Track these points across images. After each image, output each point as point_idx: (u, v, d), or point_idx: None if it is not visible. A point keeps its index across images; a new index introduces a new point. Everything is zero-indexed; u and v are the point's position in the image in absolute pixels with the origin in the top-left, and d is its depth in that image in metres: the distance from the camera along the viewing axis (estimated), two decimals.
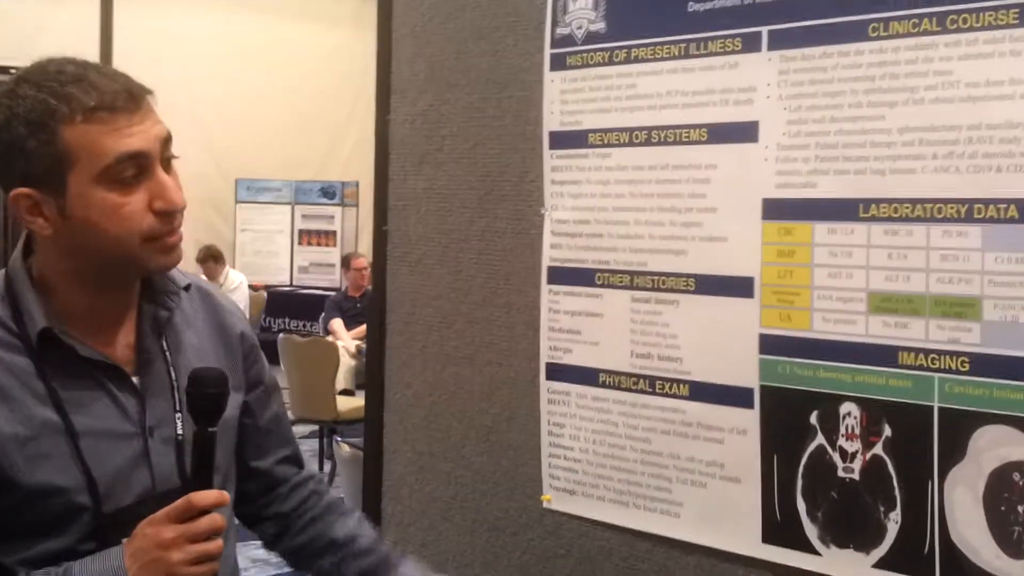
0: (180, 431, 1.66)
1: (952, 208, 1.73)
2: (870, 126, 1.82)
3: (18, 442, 1.57)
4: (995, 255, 1.70)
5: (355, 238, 11.61)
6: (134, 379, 1.69)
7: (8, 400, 1.58)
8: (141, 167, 1.58)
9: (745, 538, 1.99)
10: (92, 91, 1.56)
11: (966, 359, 1.73)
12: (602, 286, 2.19)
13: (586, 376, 2.22)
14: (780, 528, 1.94)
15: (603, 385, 2.19)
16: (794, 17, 1.90)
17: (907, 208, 1.78)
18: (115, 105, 1.57)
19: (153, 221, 1.60)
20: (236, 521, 1.91)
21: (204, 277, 7.14)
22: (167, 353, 1.74)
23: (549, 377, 2.29)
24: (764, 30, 1.94)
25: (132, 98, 1.59)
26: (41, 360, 1.62)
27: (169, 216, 1.62)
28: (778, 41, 1.93)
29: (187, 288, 1.82)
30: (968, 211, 1.72)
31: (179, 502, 1.53)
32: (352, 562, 1.92)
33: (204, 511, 1.53)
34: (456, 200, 2.47)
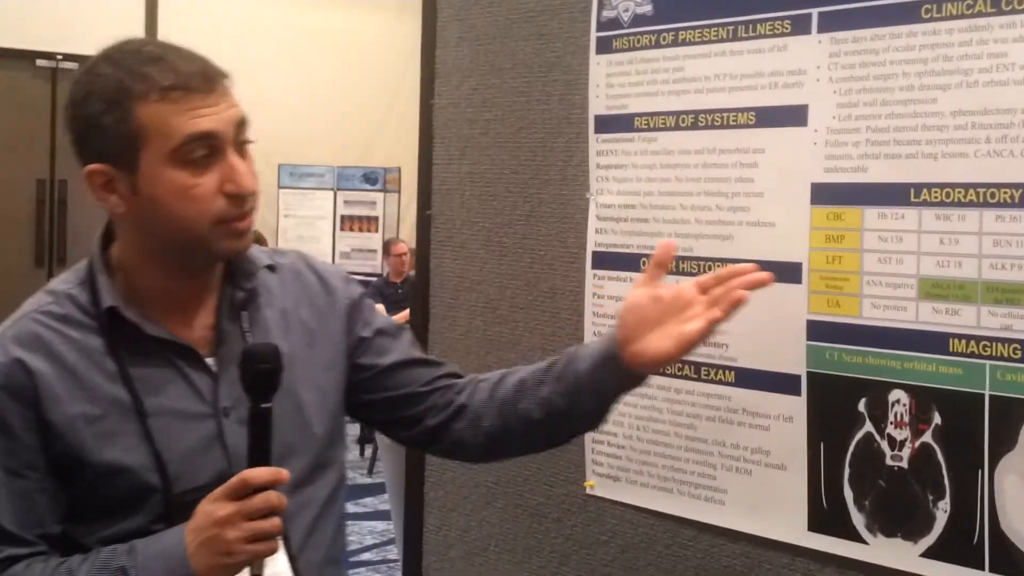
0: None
1: (1006, 193, 1.71)
2: (922, 109, 1.79)
3: (86, 420, 1.60)
4: None
5: (396, 224, 11.61)
6: (209, 360, 1.70)
7: (77, 379, 1.61)
8: (213, 148, 1.59)
9: (791, 526, 1.97)
10: (168, 71, 1.58)
11: (1018, 346, 1.70)
12: None
13: None
14: (826, 516, 1.92)
15: None
16: None
17: (959, 193, 1.75)
18: (189, 85, 1.58)
19: (224, 204, 1.61)
20: (340, 503, 1.86)
21: None
22: (247, 333, 1.73)
23: None
24: (814, 12, 1.92)
25: (207, 79, 1.61)
26: (113, 339, 1.64)
27: (240, 200, 1.62)
28: (828, 23, 1.90)
29: (273, 268, 1.80)
30: (1022, 196, 1.69)
31: (233, 479, 1.53)
32: (554, 382, 1.80)
33: (260, 488, 1.52)
34: (500, 184, 2.46)
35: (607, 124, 2.23)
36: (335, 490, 1.83)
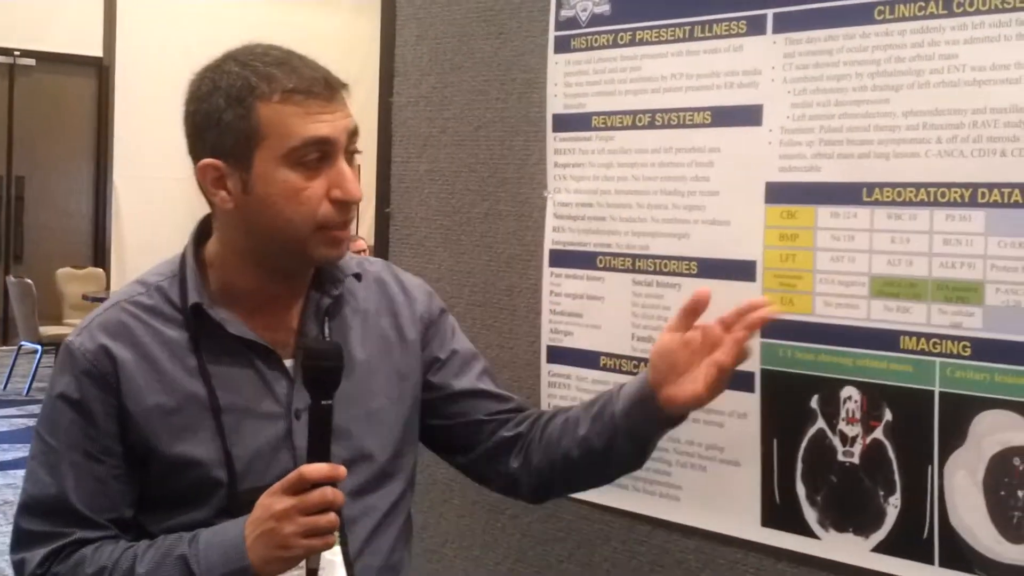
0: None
1: (956, 192, 1.73)
2: (875, 110, 1.81)
3: (162, 412, 1.65)
4: (998, 240, 1.69)
5: (356, 221, 11.62)
6: (288, 362, 1.72)
7: (158, 372, 1.66)
8: (325, 154, 1.64)
9: (744, 521, 1.99)
10: (292, 74, 1.64)
11: (968, 344, 1.72)
12: (604, 269, 2.18)
13: (587, 359, 2.22)
14: (779, 512, 1.94)
15: (604, 368, 2.19)
16: (800, 0, 1.90)
17: (911, 192, 1.78)
18: (311, 90, 1.64)
19: (329, 209, 1.65)
20: (405, 515, 1.89)
21: None
22: (327, 340, 1.76)
23: (550, 360, 2.28)
24: (769, 13, 1.94)
25: (328, 87, 1.66)
26: (197, 335, 1.68)
27: (345, 207, 1.66)
28: (783, 24, 1.92)
29: (359, 277, 1.83)
30: (972, 195, 1.71)
31: (291, 474, 1.56)
32: (590, 422, 1.82)
33: (317, 484, 1.54)
34: (459, 182, 2.47)
35: (565, 123, 2.24)
36: (399, 500, 1.86)
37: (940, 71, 1.75)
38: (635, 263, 2.13)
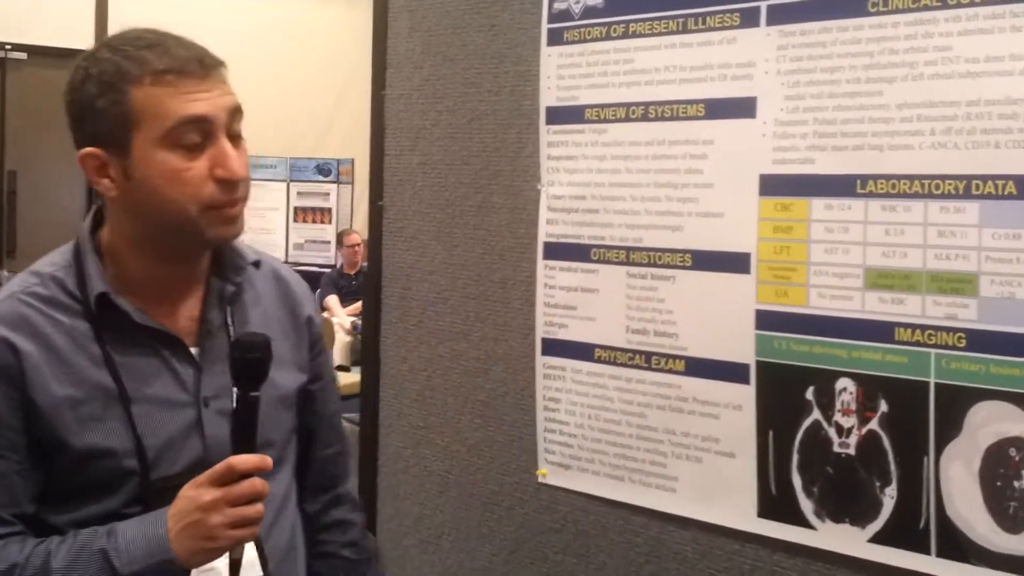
0: (235, 404, 1.62)
1: (950, 184, 1.73)
2: (868, 102, 1.81)
3: (70, 404, 1.61)
4: (992, 231, 1.69)
5: (350, 215, 11.57)
6: (193, 350, 1.71)
7: (63, 363, 1.62)
8: (205, 133, 1.61)
9: (740, 513, 1.99)
10: (164, 55, 1.61)
11: (963, 335, 1.73)
12: (598, 261, 2.18)
13: (581, 351, 2.22)
14: (775, 503, 1.95)
15: (598, 360, 2.19)
16: None
17: (905, 184, 1.78)
18: (184, 70, 1.60)
19: (214, 189, 1.62)
20: (294, 497, 1.90)
21: None
22: (230, 327, 1.75)
23: (544, 352, 2.29)
24: (763, 5, 1.93)
25: (202, 65, 1.63)
26: (100, 325, 1.65)
27: (230, 186, 1.63)
28: (777, 16, 1.92)
29: (257, 265, 1.83)
30: (966, 187, 1.72)
31: (219, 465, 1.54)
32: None
33: (245, 475, 1.54)
34: (452, 175, 2.46)
35: (558, 115, 2.24)
36: (291, 484, 1.87)
37: (934, 63, 1.75)
38: (629, 255, 2.13)
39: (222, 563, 1.60)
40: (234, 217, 1.66)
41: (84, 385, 1.62)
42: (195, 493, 1.55)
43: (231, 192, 1.64)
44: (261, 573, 1.71)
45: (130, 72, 1.60)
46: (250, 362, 1.58)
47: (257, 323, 1.79)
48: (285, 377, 1.81)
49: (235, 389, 1.59)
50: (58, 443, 1.61)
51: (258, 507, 1.56)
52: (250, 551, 1.67)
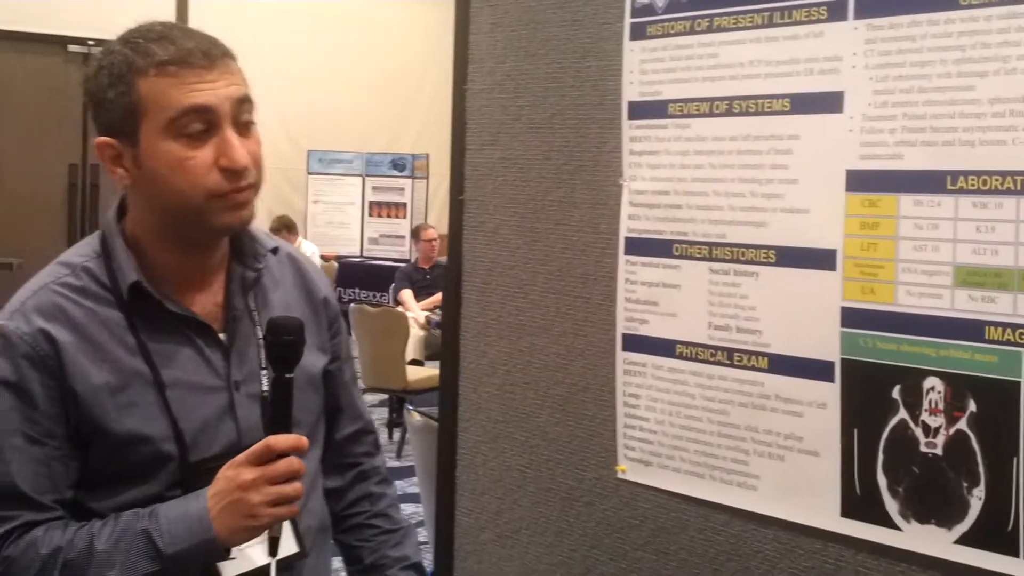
0: (266, 387, 1.70)
1: None
2: (959, 96, 1.78)
3: (109, 391, 1.66)
4: None
5: (424, 210, 11.64)
6: (221, 336, 1.76)
7: (100, 352, 1.66)
8: (209, 122, 1.65)
9: (823, 512, 1.97)
10: (169, 46, 1.65)
11: None
12: (680, 257, 2.17)
13: (663, 347, 2.21)
14: (860, 502, 1.92)
15: (680, 357, 2.18)
16: None
17: (996, 180, 1.75)
18: (187, 60, 1.64)
19: (219, 178, 1.66)
20: (321, 478, 1.95)
21: None
22: (254, 312, 1.80)
23: (625, 348, 2.28)
24: None
25: (206, 56, 1.66)
26: (132, 314, 1.70)
27: (234, 174, 1.66)
28: (865, 9, 1.90)
29: (275, 251, 1.87)
30: None
31: (258, 445, 1.60)
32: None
33: (282, 454, 1.59)
34: (533, 170, 2.46)
35: (640, 110, 2.23)
36: (319, 464, 1.93)
37: None
38: (712, 251, 2.12)
39: (260, 542, 1.65)
40: (241, 204, 1.70)
41: (120, 372, 1.67)
42: (234, 473, 1.60)
43: (236, 180, 1.67)
44: (297, 550, 1.76)
45: (136, 63, 1.65)
46: (285, 344, 1.64)
47: (278, 307, 1.84)
48: (310, 359, 1.84)
49: (267, 372, 1.67)
50: (98, 429, 1.66)
51: (296, 485, 1.61)
52: (286, 529, 1.71)
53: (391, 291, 10.11)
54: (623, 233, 2.27)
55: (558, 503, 2.44)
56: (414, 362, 8.75)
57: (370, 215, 12.16)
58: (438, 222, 10.29)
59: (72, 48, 11.02)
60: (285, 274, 1.91)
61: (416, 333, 8.87)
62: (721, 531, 2.15)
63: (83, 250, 1.78)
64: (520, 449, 2.51)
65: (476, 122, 2.59)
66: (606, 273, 2.31)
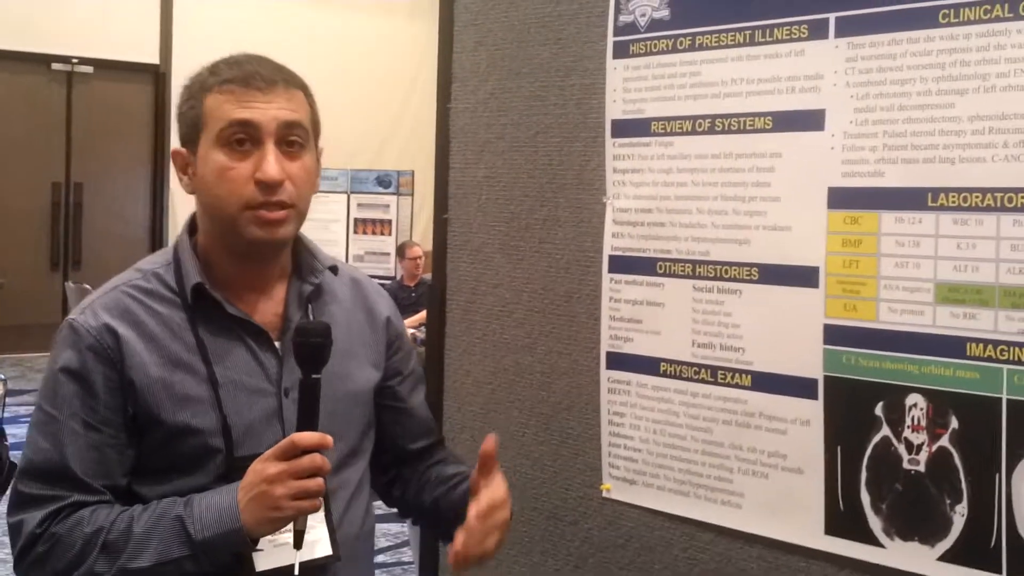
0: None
1: (1023, 197, 1.71)
2: (939, 114, 1.79)
3: (164, 384, 1.77)
4: None
5: (410, 227, 11.64)
6: (276, 343, 1.85)
7: (159, 348, 1.78)
8: (252, 138, 1.76)
9: (808, 529, 1.97)
10: (236, 68, 1.80)
11: None
12: (664, 275, 2.18)
13: (647, 365, 2.21)
14: (843, 520, 1.93)
15: (664, 374, 2.18)
16: (862, 4, 1.88)
17: (977, 197, 1.76)
18: (248, 81, 1.78)
19: (254, 190, 1.76)
20: (367, 488, 2.01)
21: None
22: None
23: (609, 366, 2.28)
24: (831, 17, 1.92)
25: (264, 79, 1.79)
26: (194, 315, 1.81)
27: (267, 187, 1.76)
28: (845, 28, 1.91)
29: (335, 270, 1.97)
30: None
31: (283, 441, 1.68)
32: (444, 492, 2.04)
33: (306, 451, 1.66)
34: (517, 188, 2.47)
35: (624, 128, 2.24)
36: (364, 473, 1.99)
37: (1006, 75, 1.73)
38: (695, 269, 2.12)
39: (287, 534, 1.72)
40: (270, 221, 1.78)
41: (177, 368, 1.78)
42: (261, 466, 1.68)
43: (268, 194, 1.76)
44: (331, 553, 1.82)
45: (207, 81, 1.80)
46: (311, 346, 1.71)
47: (336, 322, 1.89)
48: (360, 374, 1.95)
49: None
50: (153, 420, 1.76)
51: (318, 481, 1.67)
52: (321, 531, 1.81)
53: None
54: (607, 251, 2.27)
55: (543, 522, 2.44)
56: None
57: (355, 232, 12.14)
58: (423, 239, 10.30)
59: (56, 66, 11.02)
60: (346, 293, 2.00)
61: None
62: (706, 549, 2.15)
63: (157, 258, 1.90)
64: (504, 468, 2.48)
65: (460, 141, 2.60)
66: (590, 291, 2.32)
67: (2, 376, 5.64)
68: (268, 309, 1.87)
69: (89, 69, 11.22)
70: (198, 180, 1.81)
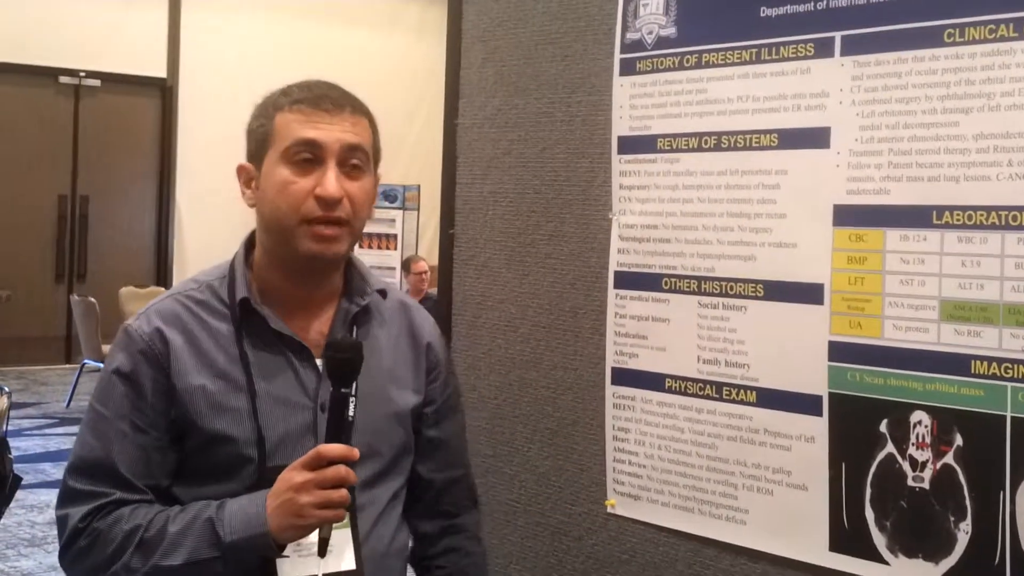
0: (352, 413, 1.78)
1: None
2: (944, 132, 1.80)
3: (204, 392, 1.83)
4: None
5: (416, 241, 11.65)
6: (318, 360, 1.88)
7: (204, 356, 1.85)
8: (316, 156, 1.82)
9: (812, 546, 1.98)
10: (307, 90, 1.87)
11: None
12: (669, 291, 2.18)
13: (652, 381, 2.22)
14: (848, 537, 1.93)
15: (669, 390, 2.19)
16: (868, 23, 1.90)
17: (981, 215, 1.76)
18: (317, 103, 1.84)
19: (313, 205, 1.81)
20: (400, 508, 2.01)
21: None
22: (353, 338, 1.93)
23: (615, 382, 2.29)
24: (837, 35, 1.93)
25: (332, 102, 1.86)
26: (241, 328, 1.86)
27: (326, 204, 1.81)
28: (851, 46, 1.92)
29: (383, 294, 2.01)
30: None
31: (310, 452, 1.72)
32: None
33: (332, 462, 1.70)
34: (523, 204, 2.48)
35: (630, 145, 2.25)
36: (398, 493, 2.00)
37: (1011, 94, 1.74)
38: (701, 285, 2.13)
39: (312, 544, 1.76)
40: (327, 237, 1.84)
41: (219, 378, 1.84)
42: (289, 475, 1.73)
43: (328, 210, 1.82)
44: (354, 567, 1.85)
45: (279, 101, 1.87)
46: (340, 361, 1.76)
47: (382, 344, 1.97)
48: (400, 396, 1.98)
49: (353, 398, 1.76)
50: (191, 425, 1.82)
51: (342, 492, 1.71)
52: (347, 545, 1.84)
53: None
54: (612, 267, 2.28)
55: (548, 538, 2.44)
56: None
57: (360, 246, 12.16)
58: (429, 253, 10.31)
59: (63, 79, 11.05)
60: (394, 317, 2.03)
61: None
62: (710, 566, 2.15)
63: (215, 271, 1.96)
64: (510, 483, 2.52)
65: (467, 156, 2.61)
66: (596, 307, 2.32)
67: (6, 389, 5.65)
68: (314, 327, 1.92)
69: (96, 82, 11.25)
70: (260, 194, 1.86)
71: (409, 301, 2.11)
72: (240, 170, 1.92)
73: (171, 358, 1.83)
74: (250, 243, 1.96)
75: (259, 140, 1.87)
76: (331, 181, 1.81)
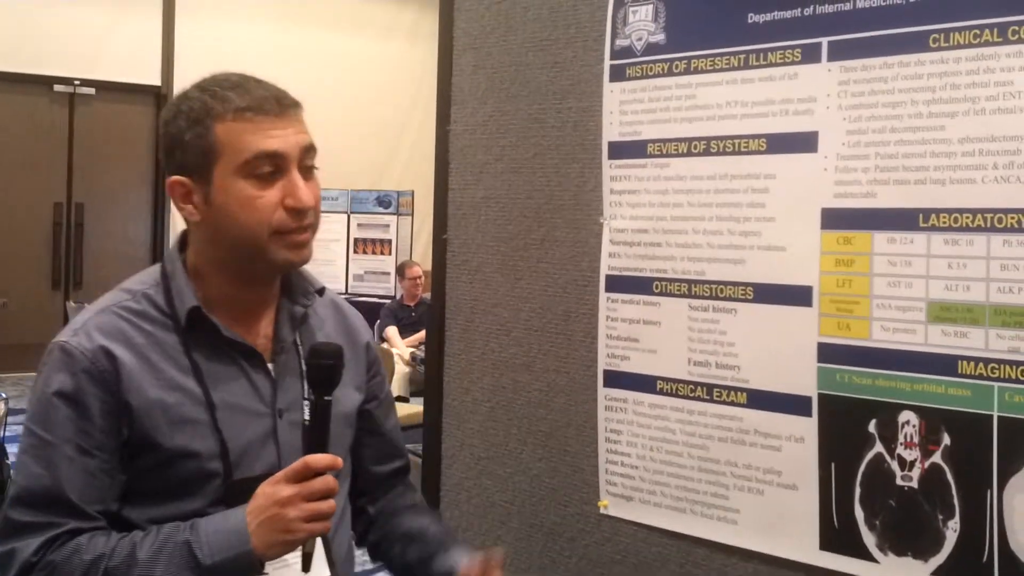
0: (307, 416, 1.78)
1: (1013, 218, 1.74)
2: (930, 136, 1.83)
3: (162, 407, 1.74)
4: None
5: (410, 247, 11.66)
6: (269, 365, 1.84)
7: (156, 371, 1.76)
8: (278, 166, 1.75)
9: (803, 545, 2.00)
10: (245, 95, 1.76)
11: None
12: (660, 294, 2.20)
13: (644, 383, 2.24)
14: (838, 536, 1.95)
15: (660, 392, 2.21)
16: (854, 28, 1.92)
17: (967, 218, 1.79)
18: (262, 108, 1.76)
19: (283, 216, 1.75)
20: (349, 512, 2.00)
21: None
22: (299, 346, 1.89)
23: (607, 384, 2.31)
24: (824, 41, 1.95)
25: (279, 105, 1.78)
26: (187, 338, 1.79)
27: (298, 214, 1.76)
28: (838, 52, 1.94)
29: (321, 292, 1.97)
30: None
31: (296, 463, 1.66)
32: (413, 547, 2.02)
33: (319, 473, 1.65)
34: (515, 209, 2.49)
35: (620, 150, 2.27)
36: (347, 498, 1.98)
37: (995, 98, 1.76)
38: (691, 288, 2.15)
39: (293, 558, 1.71)
40: (301, 243, 1.79)
41: (174, 391, 1.76)
42: (273, 489, 1.67)
43: (299, 219, 1.76)
44: (329, 573, 1.82)
45: (215, 109, 1.75)
46: (324, 368, 1.72)
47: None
48: (346, 396, 1.94)
49: (308, 400, 1.74)
50: (149, 443, 1.73)
51: (331, 502, 1.67)
52: (321, 555, 1.79)
53: (376, 328, 10.10)
54: (604, 271, 2.30)
55: (541, 539, 2.46)
56: (399, 398, 8.73)
57: (355, 252, 12.16)
58: (423, 258, 10.32)
59: (58, 88, 11.04)
60: (329, 316, 2.00)
61: (401, 370, 8.86)
62: (702, 565, 2.17)
63: (144, 278, 1.87)
64: (503, 485, 2.53)
65: (459, 162, 2.63)
66: (587, 310, 2.34)
67: (3, 395, 5.65)
68: (259, 331, 1.87)
69: (91, 90, 11.25)
70: (214, 209, 1.76)
71: (339, 300, 2.08)
72: (174, 185, 1.80)
73: (120, 376, 1.73)
74: (180, 246, 1.88)
75: (199, 153, 1.76)
76: (303, 191, 1.75)
